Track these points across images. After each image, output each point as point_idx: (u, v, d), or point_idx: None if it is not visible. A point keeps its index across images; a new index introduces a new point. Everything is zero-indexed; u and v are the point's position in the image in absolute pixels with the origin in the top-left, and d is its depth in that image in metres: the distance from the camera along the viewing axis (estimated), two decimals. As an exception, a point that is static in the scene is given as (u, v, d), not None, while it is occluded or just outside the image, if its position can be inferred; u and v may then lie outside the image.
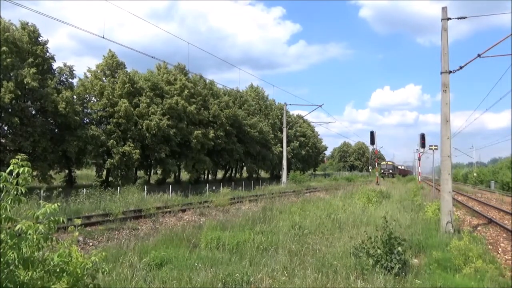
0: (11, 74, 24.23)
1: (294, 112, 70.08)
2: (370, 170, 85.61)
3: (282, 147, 43.95)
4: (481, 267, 7.49)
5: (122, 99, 30.62)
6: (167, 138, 33.08)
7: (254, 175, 56.43)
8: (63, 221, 3.44)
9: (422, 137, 28.09)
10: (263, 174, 65.39)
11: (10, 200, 3.16)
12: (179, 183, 37.97)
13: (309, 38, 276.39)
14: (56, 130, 27.92)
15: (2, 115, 23.93)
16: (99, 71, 32.53)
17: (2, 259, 2.99)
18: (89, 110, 31.54)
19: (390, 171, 79.88)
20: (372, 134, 43.35)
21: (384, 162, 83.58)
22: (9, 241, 3.06)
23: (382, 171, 70.25)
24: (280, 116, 54.98)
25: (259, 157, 49.11)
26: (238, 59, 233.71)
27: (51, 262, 3.30)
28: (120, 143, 30.14)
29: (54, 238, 3.38)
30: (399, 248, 7.43)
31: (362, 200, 18.92)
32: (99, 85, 31.16)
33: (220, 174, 55.86)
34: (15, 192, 3.19)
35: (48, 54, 27.17)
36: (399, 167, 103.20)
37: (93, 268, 3.56)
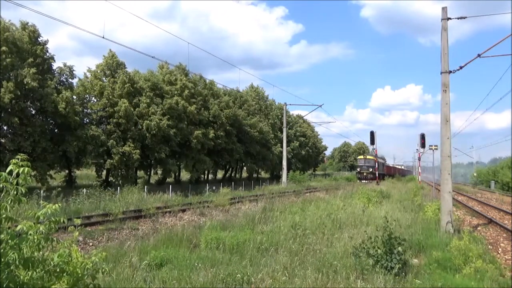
0: (11, 74, 24.25)
1: (294, 112, 70.05)
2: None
3: (282, 147, 43.96)
4: (481, 267, 7.50)
5: (122, 99, 30.65)
6: (167, 138, 33.10)
7: (254, 175, 56.47)
8: (63, 221, 3.44)
9: (422, 137, 28.11)
10: (263, 174, 65.37)
11: (10, 200, 3.16)
12: (179, 183, 37.99)
13: (310, 38, 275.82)
14: (56, 130, 27.95)
15: (2, 115, 23.94)
16: (99, 71, 32.58)
17: (2, 260, 2.99)
18: (89, 110, 31.59)
19: (371, 170, 53.08)
20: (372, 134, 43.32)
21: (362, 157, 57.72)
22: (9, 241, 3.06)
23: (358, 169, 51.52)
24: (280, 116, 55.02)
25: (259, 157, 49.14)
26: (239, 59, 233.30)
27: (51, 262, 3.30)
28: (120, 143, 30.17)
29: (54, 238, 3.38)
30: (399, 248, 7.44)
31: (362, 200, 18.91)
32: (99, 85, 31.20)
33: (220, 174, 55.88)
34: (15, 192, 3.19)
35: (48, 54, 27.22)
36: (387, 164, 75.07)
37: (93, 268, 3.56)
